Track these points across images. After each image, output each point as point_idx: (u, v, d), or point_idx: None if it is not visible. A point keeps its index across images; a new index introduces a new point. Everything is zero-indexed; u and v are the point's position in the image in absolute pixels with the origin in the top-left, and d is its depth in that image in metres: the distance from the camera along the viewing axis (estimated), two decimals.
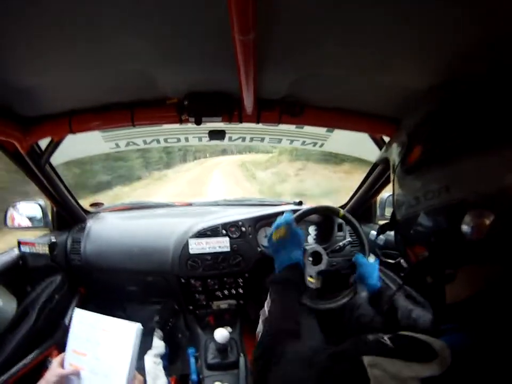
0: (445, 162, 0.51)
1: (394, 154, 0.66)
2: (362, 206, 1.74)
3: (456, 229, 0.48)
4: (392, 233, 0.71)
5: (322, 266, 1.21)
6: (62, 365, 0.90)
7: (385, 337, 0.50)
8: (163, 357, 1.51)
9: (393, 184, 0.65)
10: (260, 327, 0.76)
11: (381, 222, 1.75)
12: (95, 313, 0.94)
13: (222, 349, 1.42)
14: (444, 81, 0.74)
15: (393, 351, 0.47)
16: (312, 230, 1.68)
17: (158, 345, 1.53)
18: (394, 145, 0.66)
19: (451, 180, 0.50)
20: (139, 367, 1.35)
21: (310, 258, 1.23)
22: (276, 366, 0.62)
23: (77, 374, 0.87)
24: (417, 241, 0.57)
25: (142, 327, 0.91)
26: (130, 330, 0.90)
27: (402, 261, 1.18)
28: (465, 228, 0.47)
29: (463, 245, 0.49)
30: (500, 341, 0.45)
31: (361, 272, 1.18)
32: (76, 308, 0.98)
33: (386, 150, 0.73)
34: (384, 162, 0.77)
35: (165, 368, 1.47)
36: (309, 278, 1.18)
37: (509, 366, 0.42)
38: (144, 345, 1.51)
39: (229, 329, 1.50)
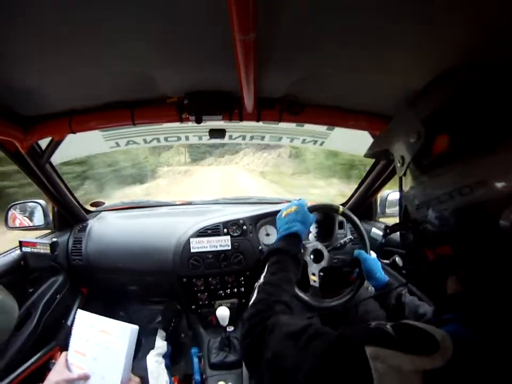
0: (482, 152, 0.44)
1: (404, 146, 0.58)
2: (363, 203, 1.74)
3: (495, 225, 0.43)
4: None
5: (323, 263, 1.21)
6: (67, 366, 0.90)
7: (388, 326, 0.48)
8: (165, 356, 1.52)
9: (403, 181, 0.60)
10: (254, 296, 0.74)
11: (382, 220, 1.75)
12: (96, 314, 0.95)
13: (225, 343, 1.42)
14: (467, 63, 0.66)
15: (395, 342, 0.46)
16: (313, 228, 1.68)
17: (160, 345, 1.54)
18: (402, 136, 0.59)
19: (492, 172, 0.43)
20: (141, 367, 1.36)
21: (312, 256, 1.23)
22: (271, 336, 0.58)
23: (84, 377, 0.87)
24: (444, 241, 0.52)
25: (138, 328, 0.92)
26: (125, 331, 0.91)
27: (397, 259, 1.19)
28: (505, 223, 0.42)
29: (503, 241, 0.44)
30: (501, 330, 0.44)
31: (366, 267, 1.16)
32: (78, 309, 0.98)
33: (384, 142, 0.67)
34: (378, 156, 0.72)
35: (167, 367, 1.48)
36: (311, 276, 1.19)
37: (511, 356, 0.42)
38: (147, 345, 1.52)
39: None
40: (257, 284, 0.79)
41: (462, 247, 0.50)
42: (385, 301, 1.07)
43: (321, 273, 1.20)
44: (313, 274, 1.19)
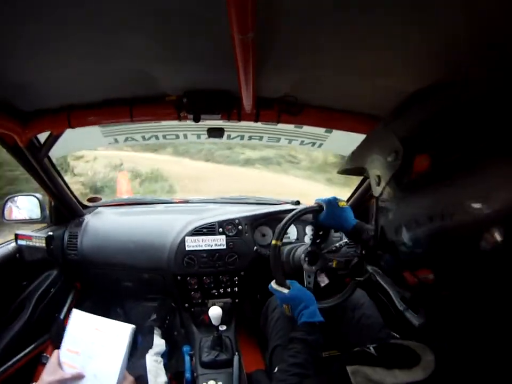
0: (464, 173, 0.42)
1: (380, 165, 0.55)
2: (360, 206, 1.74)
3: (478, 248, 0.40)
4: None
5: (318, 266, 1.21)
6: (60, 365, 0.89)
7: (371, 347, 0.51)
8: (163, 355, 1.52)
9: (380, 200, 0.56)
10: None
11: None
12: (92, 314, 0.95)
13: (217, 342, 1.42)
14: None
15: (376, 359, 0.48)
16: (308, 230, 1.68)
17: (159, 343, 1.53)
18: (378, 154, 0.56)
19: (475, 194, 0.40)
20: (140, 365, 1.36)
21: (306, 259, 1.23)
22: None
23: (77, 377, 0.87)
24: (425, 264, 0.49)
25: (134, 328, 0.91)
26: (124, 331, 0.90)
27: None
28: (486, 245, 0.39)
29: (486, 264, 0.41)
30: (481, 344, 0.45)
31: (331, 225, 1.16)
32: (73, 308, 0.98)
33: (358, 159, 0.64)
34: (353, 173, 0.69)
35: (166, 366, 1.47)
36: (306, 279, 1.19)
37: (491, 367, 0.43)
38: (144, 343, 1.52)
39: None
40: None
41: (444, 271, 0.47)
42: (359, 241, 1.05)
43: (317, 276, 1.20)
44: (309, 276, 1.19)
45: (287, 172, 9.57)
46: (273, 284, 1.08)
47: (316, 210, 1.13)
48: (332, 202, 1.10)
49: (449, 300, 0.48)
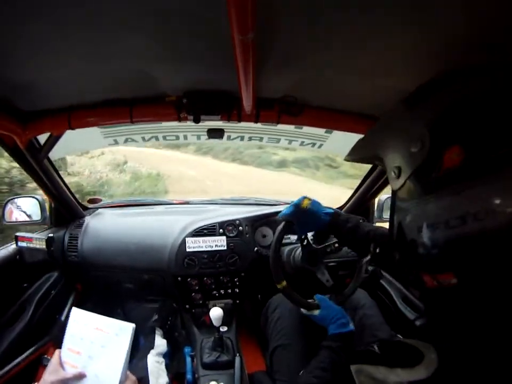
0: (504, 170, 0.37)
1: (402, 156, 0.49)
2: (361, 207, 1.74)
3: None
4: None
5: (319, 265, 1.21)
6: (61, 364, 0.89)
7: (375, 345, 0.51)
8: (165, 355, 1.52)
9: (398, 196, 0.50)
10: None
11: (378, 224, 1.75)
12: (92, 312, 0.95)
13: (218, 343, 1.42)
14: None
15: (379, 358, 0.48)
16: None
17: (160, 344, 1.53)
18: (399, 142, 0.50)
19: None
20: (142, 366, 1.36)
21: (305, 262, 1.23)
22: None
23: (79, 376, 0.86)
24: (449, 268, 0.44)
25: (134, 326, 0.91)
26: (126, 330, 0.89)
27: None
28: None
29: None
30: (485, 343, 0.44)
31: (308, 231, 1.16)
32: (73, 307, 0.98)
33: (373, 147, 0.58)
34: (362, 161, 0.66)
35: (167, 367, 1.47)
36: (325, 281, 1.19)
37: (495, 366, 0.42)
38: (146, 344, 1.52)
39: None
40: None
41: (471, 276, 0.42)
42: (338, 231, 1.03)
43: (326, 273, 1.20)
44: (322, 274, 1.19)
45: (334, 181, 7.48)
46: (303, 311, 1.10)
47: (288, 227, 1.09)
48: (294, 212, 1.04)
49: (469, 304, 0.45)
